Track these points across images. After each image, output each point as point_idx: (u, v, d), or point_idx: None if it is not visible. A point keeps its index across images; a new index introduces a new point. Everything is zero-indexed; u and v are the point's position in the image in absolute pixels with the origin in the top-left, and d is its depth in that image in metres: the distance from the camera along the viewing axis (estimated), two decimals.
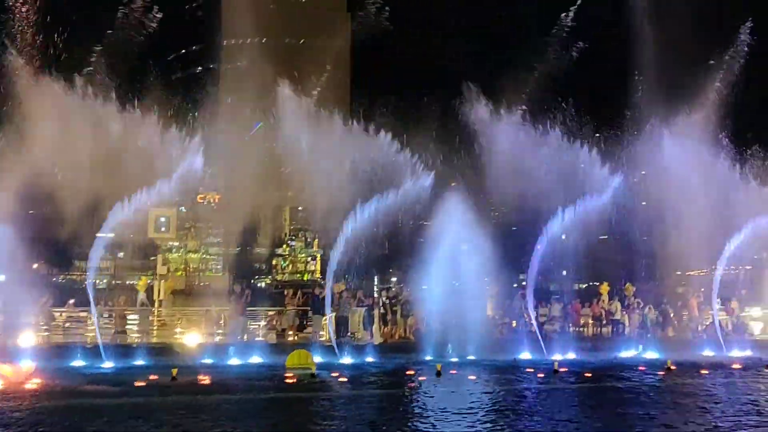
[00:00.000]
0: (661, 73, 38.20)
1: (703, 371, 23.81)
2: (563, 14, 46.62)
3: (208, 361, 26.12)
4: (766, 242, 35.11)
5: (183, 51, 68.85)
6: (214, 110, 36.32)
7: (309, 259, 54.83)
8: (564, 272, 41.09)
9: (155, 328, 33.63)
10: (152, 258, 50.70)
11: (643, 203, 36.63)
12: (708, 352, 30.14)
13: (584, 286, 53.16)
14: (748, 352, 30.02)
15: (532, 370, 24.14)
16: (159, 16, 37.87)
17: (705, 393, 19.59)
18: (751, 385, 21.37)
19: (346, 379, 21.98)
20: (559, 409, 16.74)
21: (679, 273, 39.03)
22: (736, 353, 30.01)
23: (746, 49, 40.77)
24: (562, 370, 23.90)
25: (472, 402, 17.61)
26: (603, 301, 37.32)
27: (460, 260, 29.83)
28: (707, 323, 35.23)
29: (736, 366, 25.66)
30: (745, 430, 14.08)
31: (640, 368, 24.94)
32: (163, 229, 42.99)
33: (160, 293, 36.88)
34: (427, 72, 63.17)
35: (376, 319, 32.58)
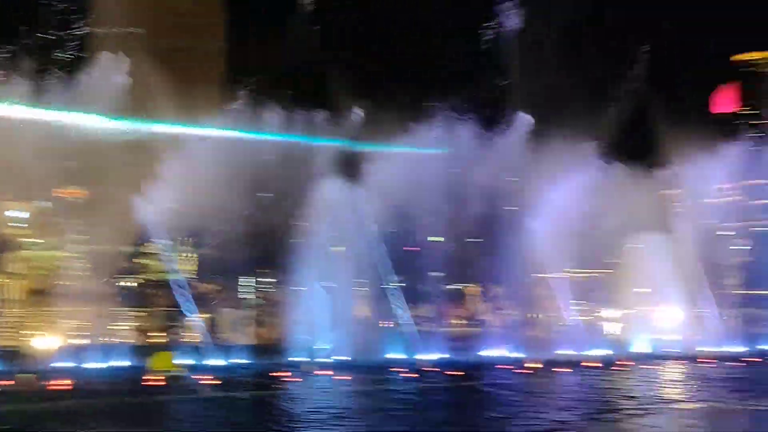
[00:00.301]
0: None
1: (562, 369, 24.93)
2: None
3: (67, 364, 24.67)
4: (618, 248, 37.23)
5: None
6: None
7: (182, 257, 52.84)
8: (435, 274, 41.92)
9: (5, 330, 31.33)
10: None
11: (507, 209, 37.97)
12: (567, 351, 31.66)
13: (454, 287, 54.54)
14: (603, 351, 31.81)
15: (401, 369, 24.45)
16: None
17: (562, 389, 20.55)
18: (604, 381, 22.66)
19: (212, 381, 21.41)
20: (423, 408, 17.08)
21: (541, 276, 40.75)
22: (592, 352, 31.70)
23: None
24: (430, 369, 24.36)
25: (339, 402, 17.67)
26: (470, 302, 38.42)
27: (335, 262, 29.82)
28: (566, 323, 37.03)
29: (592, 363, 27.05)
30: (597, 424, 14.86)
31: (506, 366, 25.87)
32: (16, 224, 39.99)
33: (12, 293, 34.41)
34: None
35: (247, 320, 31.99)
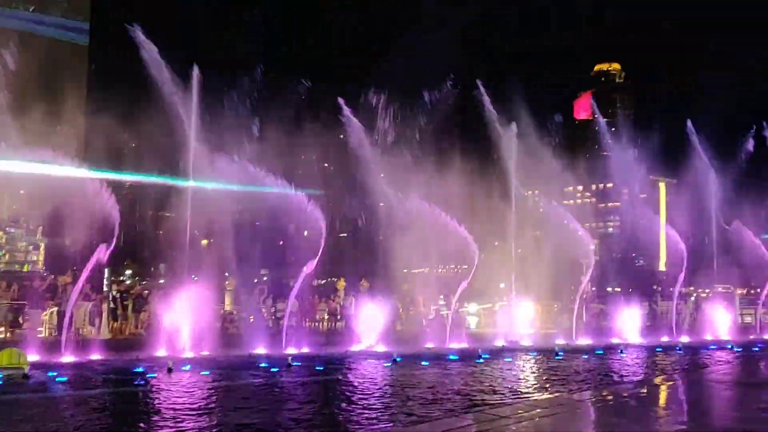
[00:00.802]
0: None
1: (425, 362, 25.51)
2: None
3: None
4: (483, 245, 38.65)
5: None
6: None
7: (30, 248, 49.70)
8: (304, 268, 41.77)
9: None
10: None
11: (381, 204, 38.58)
12: (431, 344, 32.50)
13: (323, 282, 54.72)
14: (465, 344, 32.87)
15: (265, 364, 24.16)
16: None
17: (426, 383, 20.97)
18: (466, 373, 23.36)
19: (65, 379, 20.29)
20: (279, 405, 16.98)
21: (405, 271, 41.59)
22: (455, 345, 32.70)
23: None
24: (295, 364, 24.24)
25: (195, 398, 17.24)
26: (339, 296, 38.61)
27: (200, 254, 29.10)
28: (431, 317, 38.06)
29: (454, 357, 27.88)
30: (461, 417, 15.27)
31: (369, 360, 26.19)
32: None
33: None
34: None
35: (104, 314, 30.55)
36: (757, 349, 34.59)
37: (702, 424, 14.74)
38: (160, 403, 16.82)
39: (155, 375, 21.23)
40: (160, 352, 26.82)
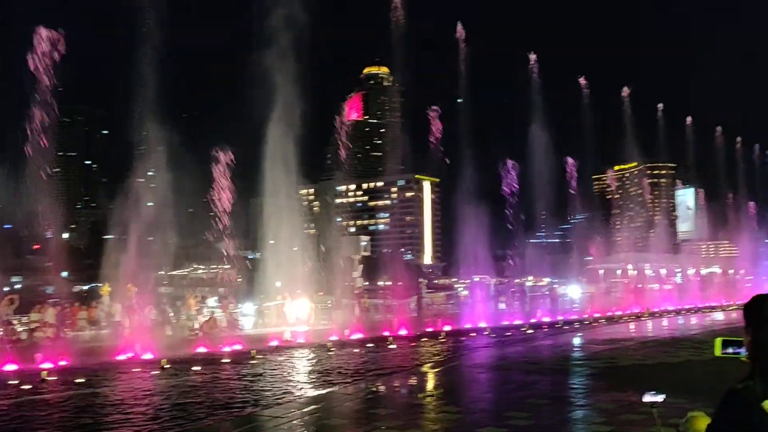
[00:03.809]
0: None
1: (196, 367, 24.66)
2: None
3: None
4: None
5: None
6: None
7: None
8: (64, 274, 38.77)
9: None
10: None
11: (150, 204, 36.71)
12: (202, 348, 31.45)
13: (86, 287, 51.08)
14: (238, 346, 32.24)
15: (16, 381, 21.82)
16: None
17: (192, 387, 20.26)
18: (237, 375, 22.93)
19: None
20: (38, 420, 15.49)
21: (162, 272, 40.14)
22: (227, 347, 31.93)
23: None
24: (51, 378, 22.20)
25: None
26: (103, 303, 36.20)
27: None
28: (204, 320, 36.92)
29: (227, 359, 27.23)
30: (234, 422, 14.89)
31: (137, 369, 24.76)
32: None
33: None
34: None
35: None
36: (509, 333, 37.83)
37: (468, 407, 15.71)
38: None
39: None
40: None
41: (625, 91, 75.85)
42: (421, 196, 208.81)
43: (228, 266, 42.74)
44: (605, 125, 79.46)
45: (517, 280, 60.22)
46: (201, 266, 52.89)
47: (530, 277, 63.41)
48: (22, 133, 32.75)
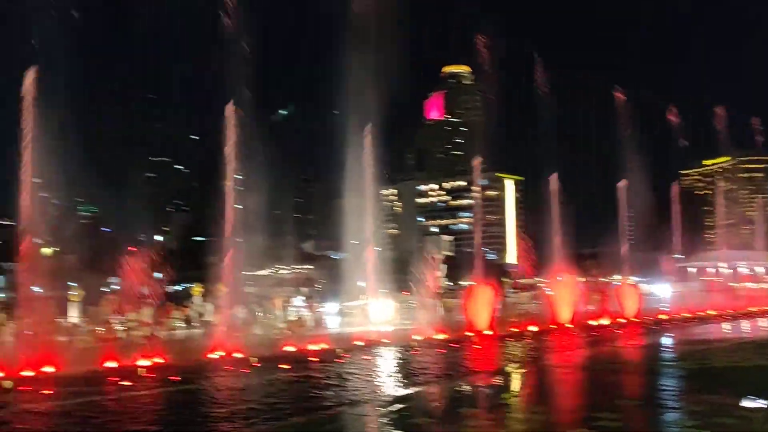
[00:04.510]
0: None
1: (284, 365, 25.22)
2: None
3: None
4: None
5: None
6: None
7: None
8: (157, 275, 40.24)
9: None
10: None
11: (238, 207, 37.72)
12: (290, 347, 32.11)
13: (179, 288, 52.99)
14: (325, 345, 32.76)
15: (117, 377, 22.94)
16: None
17: (282, 385, 20.77)
18: (325, 374, 23.36)
19: None
20: (141, 416, 16.25)
21: (246, 273, 41.05)
22: (314, 346, 32.49)
23: None
24: (148, 375, 23.22)
25: (38, 420, 16.16)
26: (195, 302, 37.49)
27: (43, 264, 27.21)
28: (291, 319, 37.76)
29: (314, 358, 27.72)
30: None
31: (229, 367, 25.53)
32: None
33: None
34: None
35: None
36: (597, 333, 37.02)
37: (555, 407, 15.55)
38: None
39: None
40: None
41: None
42: (503, 195, 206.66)
43: (311, 266, 43.48)
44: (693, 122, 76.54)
45: (604, 279, 58.88)
46: (284, 267, 54.04)
47: (618, 276, 61.81)
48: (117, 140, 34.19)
